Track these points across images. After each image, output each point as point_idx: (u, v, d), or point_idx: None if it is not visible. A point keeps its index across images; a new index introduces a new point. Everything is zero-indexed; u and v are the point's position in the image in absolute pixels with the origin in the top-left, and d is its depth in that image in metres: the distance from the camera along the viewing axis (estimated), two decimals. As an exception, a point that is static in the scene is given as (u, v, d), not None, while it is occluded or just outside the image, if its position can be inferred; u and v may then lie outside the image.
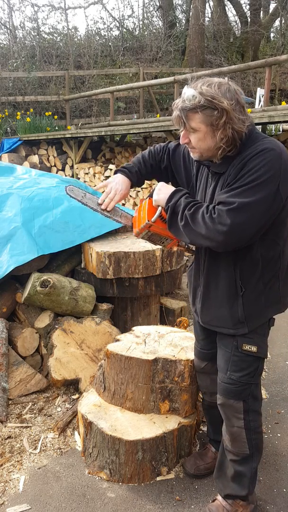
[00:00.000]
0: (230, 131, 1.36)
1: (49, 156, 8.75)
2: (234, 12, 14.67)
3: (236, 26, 14.98)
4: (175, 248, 2.01)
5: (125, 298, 2.93)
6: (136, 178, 1.81)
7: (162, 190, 1.55)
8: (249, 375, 1.60)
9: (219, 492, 1.75)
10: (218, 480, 1.76)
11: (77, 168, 8.04)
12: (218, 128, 1.37)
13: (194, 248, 1.79)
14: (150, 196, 1.65)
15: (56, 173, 8.47)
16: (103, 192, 1.84)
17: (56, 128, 9.88)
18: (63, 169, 8.51)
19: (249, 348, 1.57)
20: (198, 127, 1.39)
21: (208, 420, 2.04)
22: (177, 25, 14.15)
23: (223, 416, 1.69)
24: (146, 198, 1.69)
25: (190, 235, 1.45)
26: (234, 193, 1.37)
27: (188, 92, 1.36)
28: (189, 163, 1.73)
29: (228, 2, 14.21)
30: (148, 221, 1.60)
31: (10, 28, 14.03)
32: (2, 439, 2.16)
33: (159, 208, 1.59)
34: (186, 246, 1.81)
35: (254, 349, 1.57)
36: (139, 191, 6.68)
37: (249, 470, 1.67)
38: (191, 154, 1.52)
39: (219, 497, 1.75)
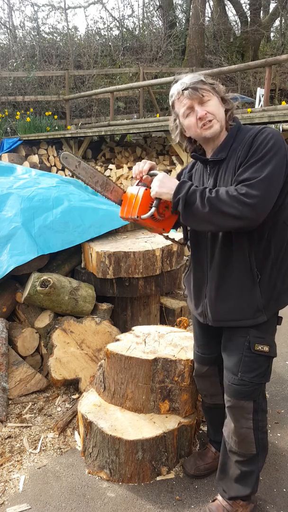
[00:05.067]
0: (227, 105, 1.55)
1: (49, 156, 8.75)
2: (234, 12, 14.66)
3: (236, 26, 14.98)
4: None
5: (125, 298, 2.93)
6: None
7: (166, 183, 1.50)
8: (260, 375, 1.58)
9: (221, 494, 1.74)
10: (221, 482, 1.73)
11: (77, 168, 8.03)
12: (221, 97, 1.55)
13: (182, 241, 1.78)
14: (145, 186, 1.60)
15: (56, 173, 8.47)
16: (102, 190, 1.81)
17: (56, 128, 9.88)
18: (63, 169, 8.50)
19: (262, 348, 1.55)
20: (212, 95, 1.52)
21: (208, 421, 2.04)
22: (177, 24, 14.15)
23: (231, 418, 1.65)
24: (140, 185, 1.62)
25: (218, 220, 1.41)
26: (255, 169, 1.40)
27: (187, 76, 1.54)
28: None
29: (228, 1, 14.21)
30: (137, 217, 1.56)
31: (10, 27, 14.03)
32: (2, 439, 2.16)
33: (153, 209, 1.54)
34: (172, 238, 1.85)
35: (266, 349, 1.55)
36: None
37: (256, 470, 1.66)
38: (208, 131, 1.52)
39: (219, 497, 1.75)
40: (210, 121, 1.50)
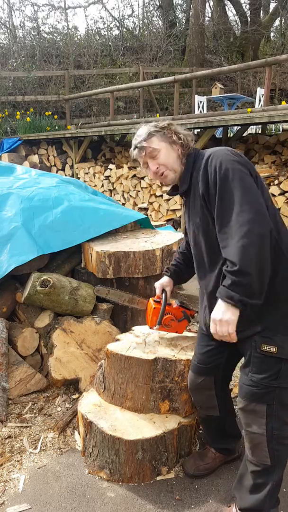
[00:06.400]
0: (182, 141, 1.67)
1: (49, 155, 8.75)
2: (234, 12, 14.67)
3: (236, 25, 14.98)
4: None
5: (125, 298, 2.93)
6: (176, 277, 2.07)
7: (221, 323, 1.46)
8: (271, 377, 1.51)
9: (236, 503, 1.70)
10: (236, 490, 1.70)
11: (77, 168, 8.04)
12: (172, 141, 1.67)
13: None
14: (156, 301, 2.03)
15: (56, 172, 8.47)
16: (130, 304, 2.34)
17: (56, 127, 9.89)
18: (63, 169, 8.51)
19: (268, 348, 1.51)
20: (160, 146, 1.67)
21: (204, 430, 2.03)
22: (177, 24, 14.15)
23: (243, 421, 1.62)
24: (155, 300, 2.04)
25: (257, 259, 1.38)
26: (227, 201, 1.45)
27: (138, 131, 1.72)
28: (185, 213, 1.86)
29: (228, 1, 14.21)
30: (151, 327, 2.06)
31: (10, 27, 14.03)
32: (2, 439, 2.16)
33: (157, 326, 2.02)
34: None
35: (273, 349, 1.50)
36: (139, 191, 6.68)
37: (270, 483, 1.58)
38: (165, 181, 1.71)
39: (233, 506, 1.71)
40: (162, 173, 1.68)
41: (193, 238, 1.70)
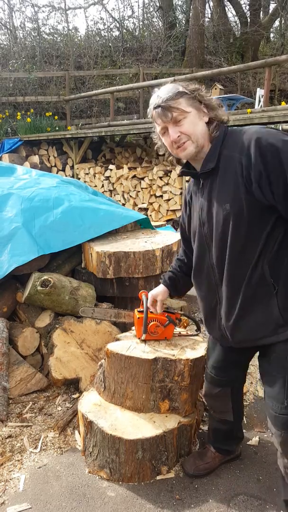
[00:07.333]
0: (212, 112, 1.43)
1: (49, 156, 8.77)
2: (234, 13, 14.67)
3: (236, 26, 14.99)
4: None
5: (125, 298, 2.94)
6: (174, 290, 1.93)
7: None
8: None
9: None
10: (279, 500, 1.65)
11: (78, 168, 8.04)
12: (202, 110, 1.42)
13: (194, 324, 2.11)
14: (139, 311, 2.00)
15: (57, 173, 8.48)
16: (117, 319, 2.25)
17: (57, 128, 9.90)
18: (63, 169, 8.52)
19: None
20: (188, 110, 1.39)
21: (211, 429, 2.01)
22: (177, 25, 14.15)
23: (285, 454, 1.49)
24: (139, 310, 2.02)
25: None
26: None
27: (164, 88, 1.42)
28: (186, 215, 1.70)
29: (228, 2, 14.22)
30: (139, 338, 2.07)
31: (11, 28, 14.04)
32: (2, 438, 2.17)
33: (143, 336, 2.00)
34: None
35: None
36: (139, 192, 6.69)
37: None
38: (182, 153, 1.44)
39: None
40: (184, 142, 1.42)
41: (211, 230, 1.46)
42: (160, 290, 1.91)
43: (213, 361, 1.74)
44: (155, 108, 1.41)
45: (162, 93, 1.40)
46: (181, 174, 1.55)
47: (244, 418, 2.29)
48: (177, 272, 1.87)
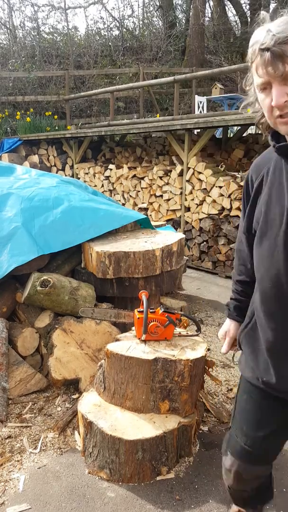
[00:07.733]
0: None
1: (49, 156, 8.75)
2: (234, 12, 14.67)
3: (236, 26, 14.98)
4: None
5: (125, 298, 2.93)
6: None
7: None
8: None
9: None
10: None
11: (77, 168, 8.04)
12: None
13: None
14: (139, 311, 2.01)
15: (56, 173, 8.47)
16: (117, 319, 2.26)
17: (56, 128, 9.89)
18: (63, 169, 8.51)
19: None
20: None
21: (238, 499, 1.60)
22: (177, 25, 14.14)
23: None
24: (139, 310, 2.04)
25: None
26: None
27: (281, 20, 0.97)
28: (248, 211, 1.25)
29: (228, 2, 14.21)
30: (139, 339, 2.08)
31: (10, 28, 14.03)
32: (2, 439, 2.17)
33: (143, 336, 2.00)
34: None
35: None
36: (139, 191, 6.69)
37: None
38: (283, 126, 1.04)
39: None
40: None
41: None
42: (228, 326, 1.49)
43: (247, 425, 1.23)
44: (261, 49, 0.98)
45: (275, 27, 0.96)
46: (278, 151, 1.10)
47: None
48: (242, 299, 1.44)
